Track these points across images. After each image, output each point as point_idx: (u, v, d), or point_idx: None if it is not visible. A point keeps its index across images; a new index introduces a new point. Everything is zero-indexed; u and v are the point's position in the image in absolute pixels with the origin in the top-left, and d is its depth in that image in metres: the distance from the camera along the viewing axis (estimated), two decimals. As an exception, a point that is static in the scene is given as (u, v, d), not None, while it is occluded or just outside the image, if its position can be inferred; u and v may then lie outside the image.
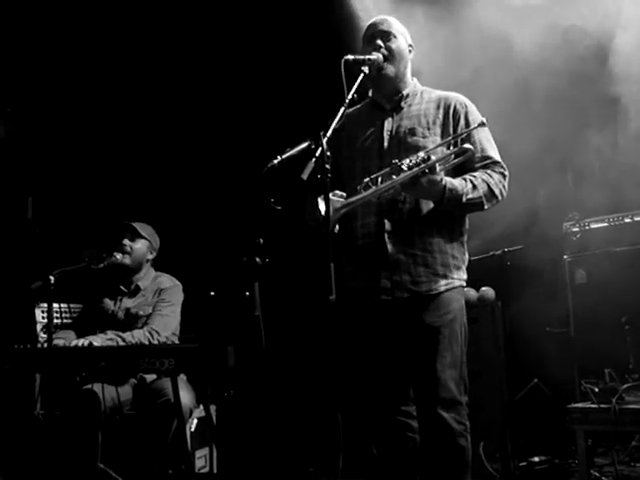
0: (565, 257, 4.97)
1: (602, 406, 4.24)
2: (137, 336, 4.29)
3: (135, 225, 4.67)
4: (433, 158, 3.05)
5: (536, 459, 4.90)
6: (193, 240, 6.19)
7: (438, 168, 3.06)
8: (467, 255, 3.36)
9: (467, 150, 3.12)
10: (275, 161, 2.83)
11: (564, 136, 5.28)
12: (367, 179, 3.14)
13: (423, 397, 3.19)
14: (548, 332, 5.16)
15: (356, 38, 3.66)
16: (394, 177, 3.07)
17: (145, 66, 6.27)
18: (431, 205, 3.21)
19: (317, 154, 2.80)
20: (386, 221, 3.22)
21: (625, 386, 4.28)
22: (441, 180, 3.08)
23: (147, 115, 6.40)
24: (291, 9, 5.84)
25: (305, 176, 2.76)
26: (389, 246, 3.21)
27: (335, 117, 2.95)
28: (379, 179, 3.14)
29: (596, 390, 4.35)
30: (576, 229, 5.04)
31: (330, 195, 3.01)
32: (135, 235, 4.65)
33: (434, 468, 3.17)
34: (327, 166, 2.81)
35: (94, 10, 5.94)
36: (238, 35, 6.09)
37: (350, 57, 3.16)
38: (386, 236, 3.21)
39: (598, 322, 4.66)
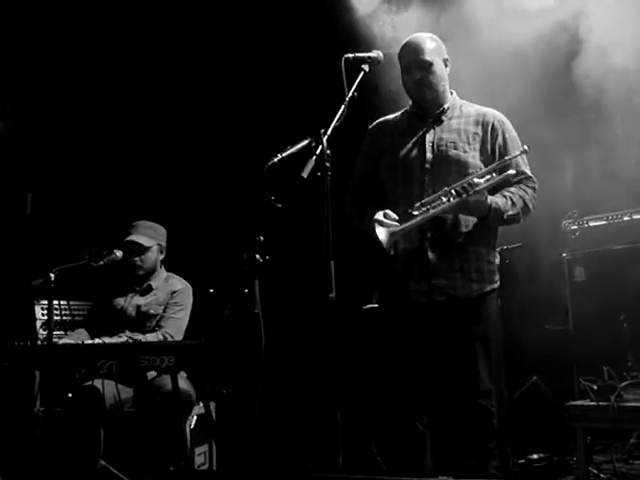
0: (564, 255, 4.97)
1: (601, 404, 4.24)
2: (151, 340, 4.31)
3: (139, 240, 4.62)
4: (480, 181, 3.25)
5: (535, 456, 4.92)
6: (193, 237, 6.18)
7: (485, 190, 3.26)
8: (498, 257, 3.58)
9: (510, 176, 3.38)
10: (276, 159, 2.86)
11: (563, 134, 5.28)
12: (420, 203, 3.29)
13: (464, 390, 3.39)
14: (547, 330, 5.16)
15: (358, 36, 3.67)
16: (443, 199, 3.26)
17: (145, 62, 6.26)
18: (470, 217, 3.38)
19: (317, 152, 2.82)
20: (428, 230, 3.37)
21: (624, 384, 4.28)
22: (487, 200, 3.27)
23: (147, 112, 6.39)
24: (293, 7, 5.84)
25: (305, 174, 2.78)
26: (429, 253, 3.37)
27: (336, 115, 2.97)
28: (429, 204, 3.30)
29: (595, 388, 4.35)
30: (575, 227, 5.05)
31: (382, 217, 3.29)
32: (144, 248, 4.64)
33: (471, 444, 3.39)
34: (327, 164, 2.83)
35: (95, 6, 5.93)
36: (240, 33, 6.08)
37: (350, 55, 3.21)
38: (427, 244, 3.37)
39: (597, 320, 4.66)
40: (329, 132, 2.91)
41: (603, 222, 4.97)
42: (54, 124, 6.21)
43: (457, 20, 5.09)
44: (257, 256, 3.13)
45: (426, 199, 3.30)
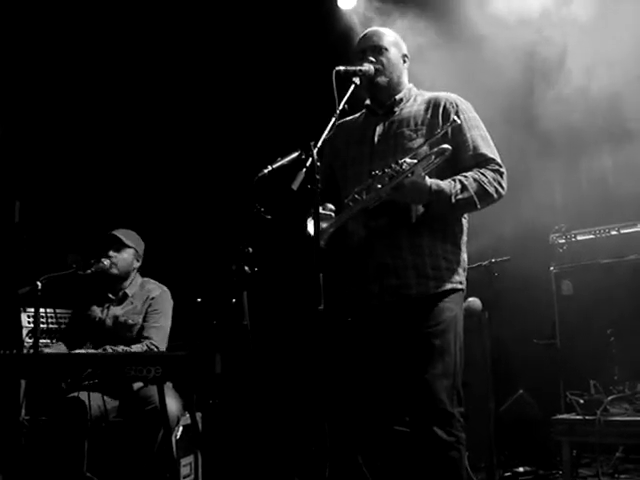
0: (551, 268, 5.00)
1: (587, 418, 4.26)
2: (137, 351, 4.28)
3: (120, 235, 4.63)
4: (412, 161, 3.03)
5: (521, 469, 4.92)
6: (182, 247, 6.18)
7: (421, 171, 3.03)
8: (465, 257, 3.30)
9: (445, 150, 3.07)
10: (266, 170, 2.83)
11: (553, 148, 5.32)
12: (354, 192, 3.14)
13: (413, 408, 3.16)
14: (534, 343, 5.17)
15: (350, 48, 3.67)
16: (379, 186, 3.06)
17: (136, 73, 6.26)
18: (420, 207, 3.17)
19: (307, 164, 2.81)
20: (374, 226, 3.20)
21: (610, 398, 4.31)
22: (425, 183, 3.04)
23: (137, 121, 6.39)
24: (285, 19, 5.85)
25: (295, 186, 2.77)
26: (377, 249, 3.19)
27: (326, 128, 2.96)
28: (363, 191, 3.13)
29: (581, 402, 4.37)
30: (562, 240, 5.07)
31: (320, 209, 3.00)
32: (121, 245, 4.63)
33: None
34: (317, 176, 2.82)
35: (85, 15, 5.93)
36: (230, 45, 6.09)
37: (341, 68, 3.15)
38: (374, 239, 3.20)
39: (584, 334, 4.68)
40: (319, 144, 2.89)
41: (591, 236, 5.00)
42: (42, 132, 6.20)
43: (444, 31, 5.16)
44: (246, 267, 3.13)
45: (358, 188, 3.13)
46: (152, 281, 4.74)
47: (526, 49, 5.16)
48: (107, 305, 4.63)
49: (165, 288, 4.70)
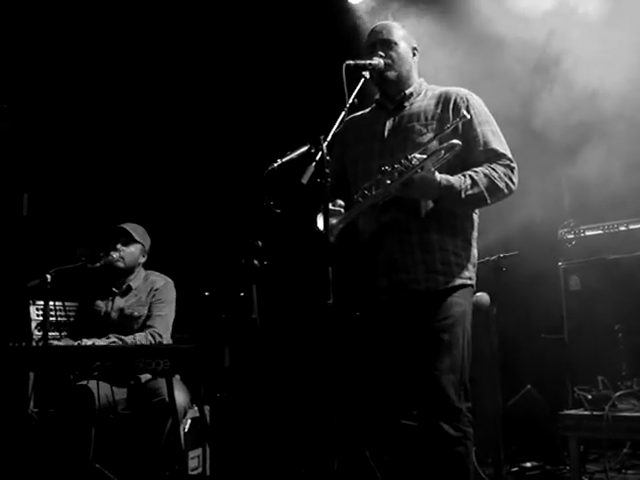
0: (560, 264, 4.99)
1: (595, 413, 4.26)
2: (139, 340, 4.30)
3: (129, 229, 4.66)
4: (422, 156, 3.03)
5: (528, 465, 4.91)
6: (191, 241, 6.19)
7: (431, 166, 3.02)
8: (475, 252, 3.30)
9: (455, 145, 3.06)
10: (275, 164, 2.83)
11: (559, 144, 5.31)
12: (363, 188, 3.14)
13: (421, 402, 3.16)
14: (542, 338, 5.17)
15: (359, 42, 3.66)
16: (388, 182, 3.06)
17: (144, 65, 6.26)
18: (430, 202, 3.16)
19: (317, 158, 2.81)
20: (384, 219, 3.19)
21: (618, 393, 4.30)
22: (435, 178, 3.03)
23: (145, 114, 6.39)
24: (295, 13, 5.85)
25: (305, 180, 2.77)
26: (387, 245, 3.19)
27: (336, 122, 2.96)
28: (373, 187, 3.13)
29: (589, 397, 4.36)
30: (571, 236, 5.06)
31: (330, 205, 3.02)
32: (129, 239, 4.65)
33: (432, 475, 3.14)
34: (327, 170, 2.81)
35: (91, 7, 5.93)
36: (240, 37, 6.09)
37: (351, 62, 3.14)
38: (384, 234, 3.20)
39: (592, 329, 4.68)
40: (329, 138, 2.88)
41: (599, 232, 4.99)
42: (50, 125, 6.20)
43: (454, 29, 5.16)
44: (255, 261, 3.13)
45: (367, 184, 3.12)
46: (156, 273, 4.77)
47: (533, 45, 5.15)
48: (111, 298, 4.65)
49: (169, 279, 4.73)
